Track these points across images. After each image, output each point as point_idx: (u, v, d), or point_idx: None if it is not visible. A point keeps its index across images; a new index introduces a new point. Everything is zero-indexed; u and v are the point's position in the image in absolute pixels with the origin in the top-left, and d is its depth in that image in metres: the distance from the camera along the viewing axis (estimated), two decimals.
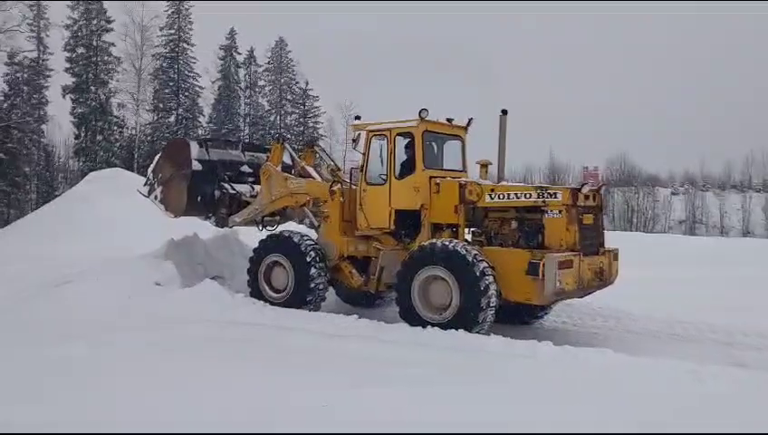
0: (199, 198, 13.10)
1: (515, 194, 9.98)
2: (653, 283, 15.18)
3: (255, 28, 69.12)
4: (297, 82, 64.25)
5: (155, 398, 6.26)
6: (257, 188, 13.36)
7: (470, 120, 11.41)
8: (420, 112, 10.57)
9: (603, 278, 9.90)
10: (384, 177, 11.19)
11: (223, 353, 8.19)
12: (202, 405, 6.08)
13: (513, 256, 9.64)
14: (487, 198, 10.18)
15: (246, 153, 14.14)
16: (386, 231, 11.07)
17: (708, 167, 71.67)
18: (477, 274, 9.34)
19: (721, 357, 8.91)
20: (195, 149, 13.06)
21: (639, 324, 11.14)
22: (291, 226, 13.29)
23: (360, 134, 11.23)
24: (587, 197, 9.73)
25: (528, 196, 9.84)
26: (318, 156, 13.54)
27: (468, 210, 10.46)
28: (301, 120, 64.69)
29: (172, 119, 54.38)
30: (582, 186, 9.71)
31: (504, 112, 10.72)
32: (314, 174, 12.54)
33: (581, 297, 10.28)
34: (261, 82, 63.46)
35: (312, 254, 11.29)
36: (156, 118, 54.10)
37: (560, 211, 9.56)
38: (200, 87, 56.55)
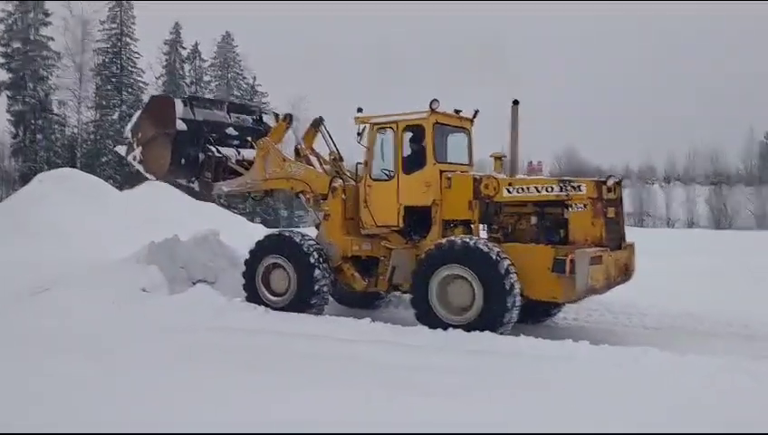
0: (183, 161, 12.26)
1: (536, 188, 9.58)
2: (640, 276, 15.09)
3: (201, 22, 67.00)
4: (245, 78, 62.82)
5: (196, 415, 5.61)
6: (243, 152, 12.68)
7: (476, 111, 10.98)
8: (431, 103, 10.07)
9: (627, 273, 9.59)
10: (390, 172, 10.67)
11: (234, 365, 7.38)
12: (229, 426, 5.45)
13: (536, 252, 9.26)
14: (505, 193, 9.75)
15: (232, 115, 13.25)
16: (394, 229, 10.52)
17: (653, 160, 73.17)
18: (502, 272, 8.91)
19: (752, 351, 8.70)
20: (179, 107, 12.16)
21: (653, 319, 10.92)
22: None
23: (364, 127, 10.64)
24: (609, 189, 9.41)
25: (550, 189, 9.46)
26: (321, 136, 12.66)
27: (483, 205, 10.01)
28: None
29: (116, 116, 52.21)
30: (608, 178, 9.38)
31: (516, 103, 10.32)
32: (316, 163, 11.83)
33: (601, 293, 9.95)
34: (206, 78, 61.80)
35: (316, 254, 10.66)
36: (98, 115, 51.94)
37: (584, 205, 9.21)
38: (144, 83, 54.58)
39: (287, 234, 11.00)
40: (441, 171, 10.20)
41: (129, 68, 53.19)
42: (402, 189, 10.31)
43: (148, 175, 12.60)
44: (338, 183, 10.99)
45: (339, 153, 12.16)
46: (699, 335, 9.99)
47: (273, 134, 12.17)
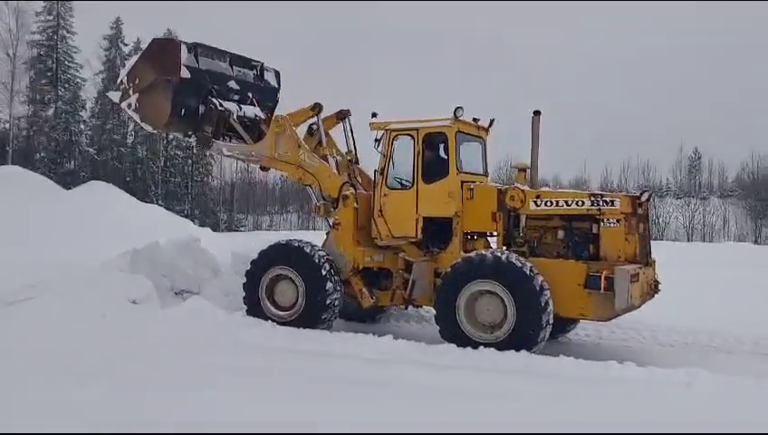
0: (183, 112, 11.33)
1: (565, 201, 9.29)
2: None
3: (143, 18, 64.64)
4: None
5: None
6: (245, 108, 11.91)
7: (492, 120, 10.64)
8: (456, 111, 9.67)
9: (656, 289, 9.40)
10: (403, 180, 10.21)
11: (260, 391, 6.63)
12: None
13: (567, 268, 8.97)
14: (532, 206, 9.43)
15: (234, 68, 12.29)
16: (411, 240, 10.05)
17: (588, 171, 74.96)
18: (537, 288, 8.57)
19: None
20: (184, 53, 11.20)
21: (664, 335, 10.81)
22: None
23: (383, 134, 10.14)
24: (640, 205, 9.20)
25: (581, 203, 9.18)
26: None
27: (507, 218, 9.66)
28: None
29: (50, 112, 49.86)
30: (642, 193, 9.17)
31: (537, 113, 10.02)
32: (331, 162, 11.13)
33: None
34: None
35: (327, 266, 10.06)
36: (32, 110, 49.38)
37: (617, 220, 8.96)
38: (82, 79, 52.31)
39: (296, 244, 10.34)
40: (462, 182, 9.80)
41: (67, 63, 50.81)
42: (422, 199, 9.86)
43: (143, 125, 11.67)
44: (349, 191, 10.42)
45: (356, 155, 11.53)
46: (716, 352, 9.92)
47: (294, 115, 11.34)
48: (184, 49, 11.16)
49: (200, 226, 37.75)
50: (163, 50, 11.41)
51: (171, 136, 58.07)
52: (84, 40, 51.52)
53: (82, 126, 53.10)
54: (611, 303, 8.61)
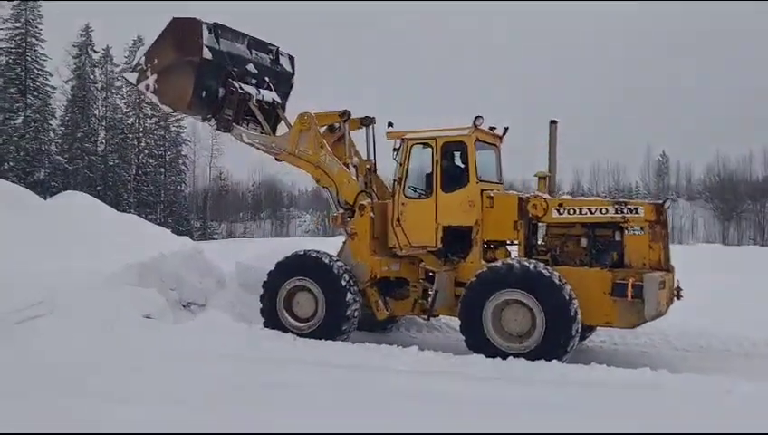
0: (204, 94, 11.09)
1: (589, 209, 9.31)
2: None
3: (114, 24, 63.58)
4: None
5: None
6: (263, 92, 11.71)
7: (506, 128, 10.65)
8: (475, 120, 9.66)
9: (679, 296, 9.46)
10: (418, 189, 10.16)
11: (301, 405, 6.55)
12: None
13: (592, 276, 8.99)
14: (554, 214, 9.43)
15: (252, 51, 12.06)
16: (431, 249, 9.99)
17: (559, 175, 75.62)
18: (566, 297, 8.57)
19: None
20: (205, 33, 10.94)
21: (678, 340, 10.86)
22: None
23: (401, 143, 10.08)
24: (661, 212, 9.27)
25: (604, 211, 9.21)
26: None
27: (528, 226, 9.66)
28: (161, 123, 60.67)
29: (20, 121, 48.82)
30: (665, 201, 9.24)
31: (554, 122, 10.07)
32: (351, 170, 10.94)
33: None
34: (118, 83, 58.74)
35: (347, 277, 9.95)
36: (1, 119, 48.27)
37: (641, 228, 9.01)
38: (51, 87, 51.34)
39: (314, 254, 10.20)
40: (481, 190, 9.77)
41: (36, 70, 49.84)
42: (441, 208, 9.81)
43: (162, 107, 11.49)
44: (366, 201, 10.33)
45: (375, 164, 11.37)
46: (733, 357, 10.01)
47: (320, 116, 11.12)
48: (205, 29, 10.93)
49: (176, 234, 37.36)
50: (184, 30, 11.14)
51: (141, 144, 57.88)
52: (53, 47, 50.60)
53: (52, 134, 52.06)
54: (638, 310, 8.66)
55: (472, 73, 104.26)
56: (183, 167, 62.38)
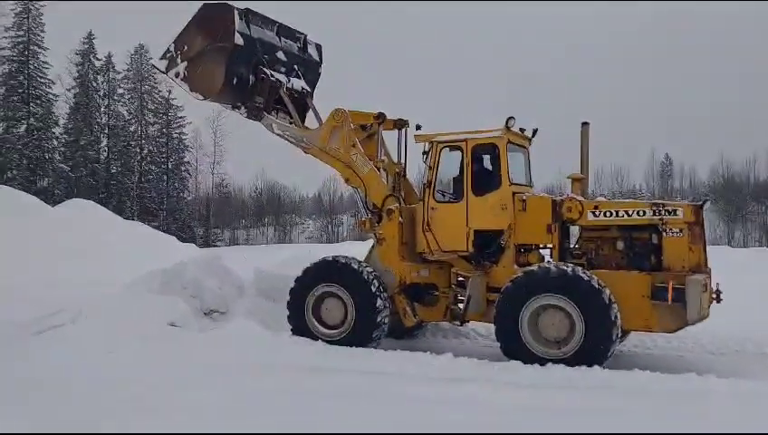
0: (235, 81, 10.89)
1: (626, 211, 9.12)
2: None
3: (115, 32, 63.78)
4: (159, 91, 60.12)
5: None
6: (293, 80, 11.55)
7: (535, 130, 10.47)
8: (507, 121, 9.49)
9: (718, 298, 9.24)
10: (446, 193, 9.99)
11: (356, 414, 6.32)
12: None
13: (631, 279, 8.79)
14: (590, 216, 9.24)
15: (282, 38, 11.86)
16: (462, 254, 9.80)
17: (562, 178, 75.48)
18: (606, 302, 8.37)
19: None
20: (237, 19, 10.76)
21: (710, 343, 10.65)
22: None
23: (431, 146, 9.90)
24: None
25: (642, 213, 9.01)
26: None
27: (561, 229, 9.48)
28: (163, 130, 60.60)
29: (23, 129, 48.66)
30: (704, 202, 9.05)
31: (585, 124, 9.90)
32: (382, 171, 10.74)
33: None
34: (120, 90, 58.70)
35: (377, 283, 9.75)
36: (4, 128, 48.11)
37: (680, 230, 8.81)
38: (54, 95, 51.19)
39: (343, 260, 10.00)
40: (513, 193, 9.59)
41: (39, 78, 49.72)
42: (472, 212, 9.62)
43: (193, 94, 11.16)
44: (394, 205, 10.14)
45: (405, 168, 11.11)
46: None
47: (354, 115, 10.90)
48: (237, 15, 10.76)
49: (181, 241, 37.13)
50: (215, 15, 10.98)
51: (141, 144, 57.68)
52: (55, 55, 50.51)
53: (55, 142, 51.89)
54: (679, 314, 8.47)
55: (469, 73, 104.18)
56: (185, 174, 62.17)
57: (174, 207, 58.68)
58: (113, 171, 55.14)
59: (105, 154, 56.06)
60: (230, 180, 68.96)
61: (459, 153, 9.80)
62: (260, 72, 11.07)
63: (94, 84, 55.15)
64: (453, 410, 6.46)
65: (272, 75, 11.15)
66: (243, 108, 11.20)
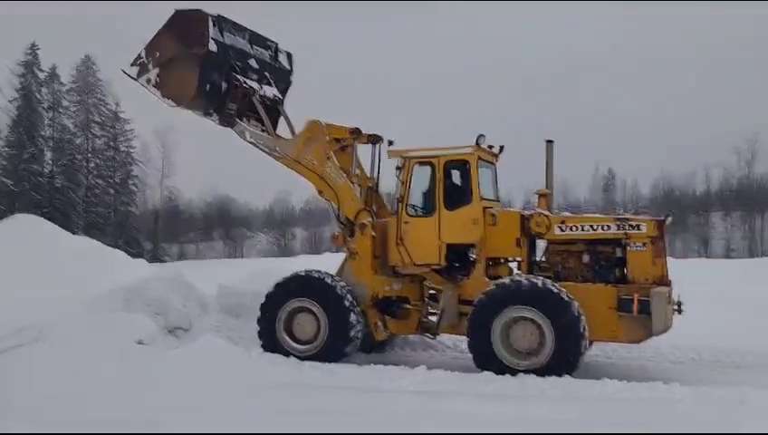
0: (207, 87, 10.79)
1: (591, 226, 9.44)
2: None
3: (60, 42, 62.07)
4: (107, 103, 58.84)
5: None
6: (265, 87, 11.49)
7: (502, 147, 10.73)
8: (478, 139, 9.77)
9: (679, 310, 9.62)
10: (417, 208, 10.16)
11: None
12: None
13: (597, 292, 9.12)
14: (557, 231, 9.53)
15: (254, 46, 11.82)
16: (435, 268, 9.96)
17: (509, 192, 76.86)
18: (576, 314, 8.64)
19: None
20: (210, 25, 10.68)
21: (670, 352, 10.99)
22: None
23: (405, 161, 10.06)
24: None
25: (606, 227, 9.35)
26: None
27: (529, 243, 9.75)
28: (110, 143, 59.30)
29: None
30: (666, 217, 9.42)
31: (550, 142, 10.23)
32: (356, 186, 10.77)
33: None
34: (65, 103, 57.19)
35: (350, 297, 9.81)
36: None
37: (644, 244, 9.16)
38: None
39: (316, 274, 10.03)
40: (484, 208, 9.82)
41: None
42: (444, 226, 9.80)
43: (165, 101, 10.97)
44: (367, 220, 10.24)
45: (377, 180, 11.17)
46: (725, 366, 10.21)
47: (330, 128, 10.84)
48: (210, 21, 10.70)
49: (131, 257, 36.34)
50: (189, 21, 10.88)
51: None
52: None
53: None
54: (645, 325, 8.80)
55: (437, 91, 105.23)
56: (133, 187, 60.94)
57: (122, 222, 57.38)
58: (58, 185, 53.59)
59: (49, 168, 54.48)
60: (179, 194, 67.89)
61: (431, 169, 9.97)
62: (233, 79, 11.03)
63: (38, 96, 53.58)
64: (448, 424, 6.58)
65: (245, 82, 11.14)
66: (215, 114, 11.13)
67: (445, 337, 11.33)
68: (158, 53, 10.92)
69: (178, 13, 10.98)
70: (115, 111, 58.70)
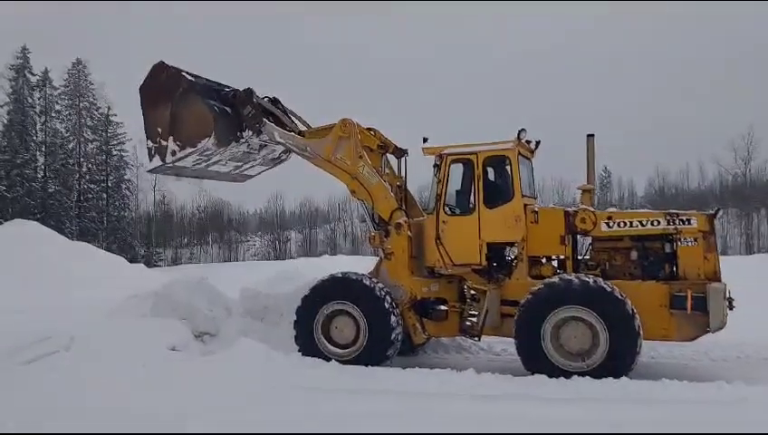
0: (218, 109, 10.56)
1: (639, 222, 9.17)
2: None
3: (52, 47, 61.30)
4: (99, 107, 58.19)
5: None
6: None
7: (538, 142, 10.46)
8: (519, 133, 9.48)
9: (731, 306, 9.36)
10: (461, 207, 9.89)
11: None
12: None
13: (648, 289, 8.85)
14: (604, 227, 9.26)
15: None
16: (475, 267, 9.66)
17: None
18: (630, 313, 8.36)
19: None
20: (173, 67, 10.57)
21: (713, 350, 10.75)
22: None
23: (442, 159, 9.77)
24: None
25: (656, 223, 9.08)
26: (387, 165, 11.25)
27: (574, 241, 9.47)
28: (103, 147, 58.63)
29: None
30: (717, 211, 9.16)
31: (591, 136, 9.97)
32: (389, 187, 10.47)
33: None
34: (57, 107, 56.52)
35: (389, 299, 9.50)
36: None
37: (695, 239, 8.90)
38: None
39: (354, 276, 9.71)
40: (525, 205, 9.53)
41: None
42: (485, 225, 9.52)
43: (198, 148, 10.45)
44: (403, 219, 9.93)
45: (406, 181, 10.96)
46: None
47: (362, 129, 10.63)
48: (168, 65, 10.61)
49: (129, 262, 35.86)
50: (156, 80, 10.68)
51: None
52: None
53: None
54: (698, 322, 8.57)
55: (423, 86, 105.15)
56: (126, 191, 60.27)
57: (115, 227, 56.74)
58: (51, 190, 52.90)
59: (42, 173, 53.80)
60: (172, 198, 67.20)
61: (470, 165, 9.68)
62: (228, 92, 10.88)
63: (29, 100, 52.90)
64: (512, 426, 6.28)
65: (237, 89, 10.92)
66: (244, 127, 10.76)
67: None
68: (159, 128, 10.57)
69: (144, 84, 10.77)
70: (107, 115, 58.06)
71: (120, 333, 9.67)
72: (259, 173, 12.20)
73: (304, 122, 11.47)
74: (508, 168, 9.56)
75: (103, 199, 58.13)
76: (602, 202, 76.01)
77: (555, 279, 8.83)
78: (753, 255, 42.05)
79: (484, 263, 9.59)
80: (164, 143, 10.50)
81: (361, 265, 12.55)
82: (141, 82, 10.82)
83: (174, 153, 10.46)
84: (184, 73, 10.53)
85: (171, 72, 10.53)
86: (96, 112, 58.24)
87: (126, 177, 59.91)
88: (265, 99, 11.32)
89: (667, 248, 9.13)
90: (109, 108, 57.94)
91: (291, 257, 57.14)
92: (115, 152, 58.94)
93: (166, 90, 10.53)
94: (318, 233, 78.12)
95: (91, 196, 57.20)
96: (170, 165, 10.62)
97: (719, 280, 8.92)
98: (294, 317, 9.91)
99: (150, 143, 10.65)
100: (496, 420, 6.58)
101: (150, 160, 10.77)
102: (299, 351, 9.77)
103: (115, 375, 8.43)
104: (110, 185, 58.39)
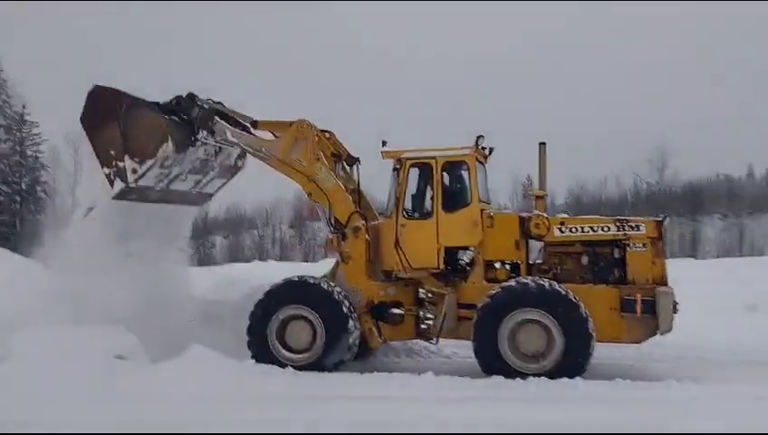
0: (166, 117, 10.38)
1: (591, 227, 9.46)
2: None
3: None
4: (13, 106, 55.49)
5: None
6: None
7: (491, 149, 10.63)
8: (477, 139, 9.66)
9: (675, 310, 9.74)
10: (419, 211, 9.96)
11: None
12: None
13: (599, 293, 9.14)
14: (557, 232, 9.51)
15: None
16: (433, 271, 9.74)
17: None
18: (584, 315, 8.63)
19: None
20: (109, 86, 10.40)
21: (653, 351, 11.11)
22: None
23: (402, 163, 9.80)
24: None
25: (606, 229, 9.39)
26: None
27: (527, 245, 9.69)
28: (17, 148, 55.95)
29: None
30: (664, 218, 9.55)
31: (543, 144, 10.23)
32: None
33: None
34: None
35: (347, 303, 9.43)
36: None
37: (643, 244, 9.25)
38: None
39: (311, 280, 9.59)
40: (481, 210, 9.69)
41: None
42: (443, 229, 9.61)
43: (158, 158, 10.12)
44: (360, 222, 9.90)
45: (359, 184, 10.83)
46: (712, 364, 10.37)
47: (318, 132, 10.44)
48: (103, 85, 10.45)
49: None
50: (94, 104, 10.36)
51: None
52: None
53: None
54: (647, 325, 8.91)
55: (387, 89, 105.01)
56: (42, 194, 57.64)
57: (32, 231, 54.10)
58: None
59: None
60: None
61: (428, 170, 9.76)
62: (171, 101, 10.66)
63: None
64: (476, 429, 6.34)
65: (181, 96, 10.74)
66: (197, 129, 10.47)
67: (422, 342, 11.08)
68: (111, 150, 10.14)
69: (85, 113, 10.45)
70: (21, 114, 55.50)
71: (58, 343, 9.09)
72: (218, 189, 11.87)
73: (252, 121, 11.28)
74: (466, 173, 9.70)
75: (17, 202, 55.50)
76: (527, 210, 78.00)
77: (512, 283, 9.00)
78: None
79: (443, 266, 9.67)
80: (121, 164, 10.04)
81: (296, 272, 12.37)
82: (80, 113, 10.43)
83: (135, 171, 10.03)
84: (122, 90, 10.28)
85: (109, 93, 10.26)
86: (9, 111, 55.57)
87: (42, 179, 57.44)
88: (209, 101, 11.12)
89: (617, 253, 9.44)
90: (24, 106, 55.45)
91: (215, 263, 55.93)
92: (30, 153, 56.39)
93: (109, 111, 10.19)
94: (245, 238, 76.80)
95: (3, 198, 54.48)
96: (134, 185, 10.12)
97: (666, 284, 9.29)
98: (247, 322, 9.68)
99: (107, 169, 10.15)
100: (461, 423, 6.61)
101: (112, 187, 10.19)
102: (252, 357, 9.56)
103: (57, 388, 7.97)
104: (23, 187, 55.80)
